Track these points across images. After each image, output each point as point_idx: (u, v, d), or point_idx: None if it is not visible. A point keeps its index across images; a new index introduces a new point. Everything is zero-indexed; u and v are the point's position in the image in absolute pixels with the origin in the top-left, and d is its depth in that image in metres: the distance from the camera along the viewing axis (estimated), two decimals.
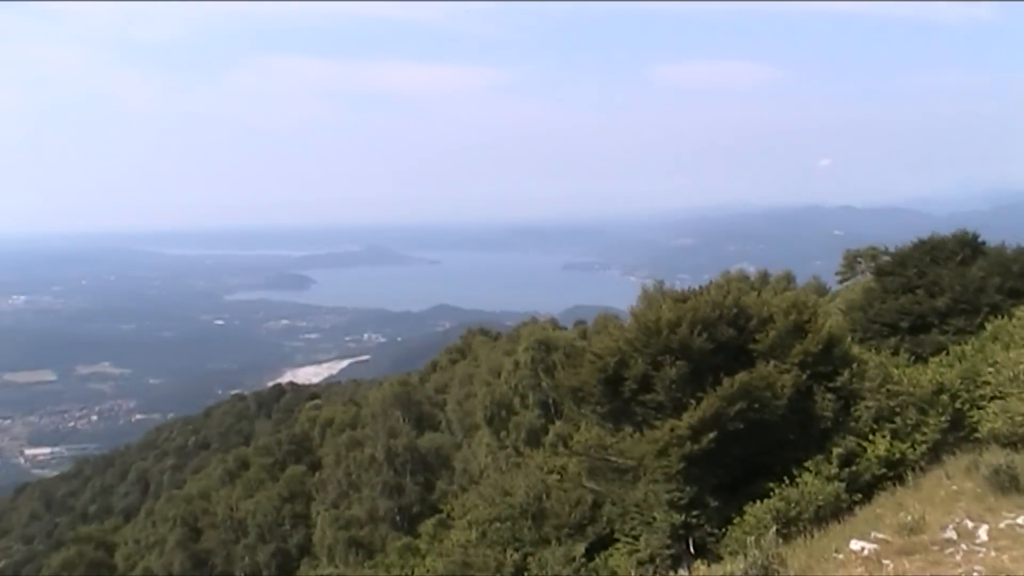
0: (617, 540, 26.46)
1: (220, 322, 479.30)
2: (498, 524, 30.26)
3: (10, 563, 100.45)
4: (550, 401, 47.96)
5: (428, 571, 35.54)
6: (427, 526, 45.27)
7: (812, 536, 19.96)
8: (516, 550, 28.93)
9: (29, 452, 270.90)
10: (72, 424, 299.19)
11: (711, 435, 22.90)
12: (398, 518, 51.81)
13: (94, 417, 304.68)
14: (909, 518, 17.23)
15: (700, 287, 27.54)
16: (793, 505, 22.01)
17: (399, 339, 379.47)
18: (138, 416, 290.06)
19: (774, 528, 20.04)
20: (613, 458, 25.31)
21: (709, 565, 20.48)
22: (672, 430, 23.19)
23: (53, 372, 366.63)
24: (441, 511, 44.71)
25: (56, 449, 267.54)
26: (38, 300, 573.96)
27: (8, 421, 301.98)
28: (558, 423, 43.28)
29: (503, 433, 49.92)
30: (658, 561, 24.04)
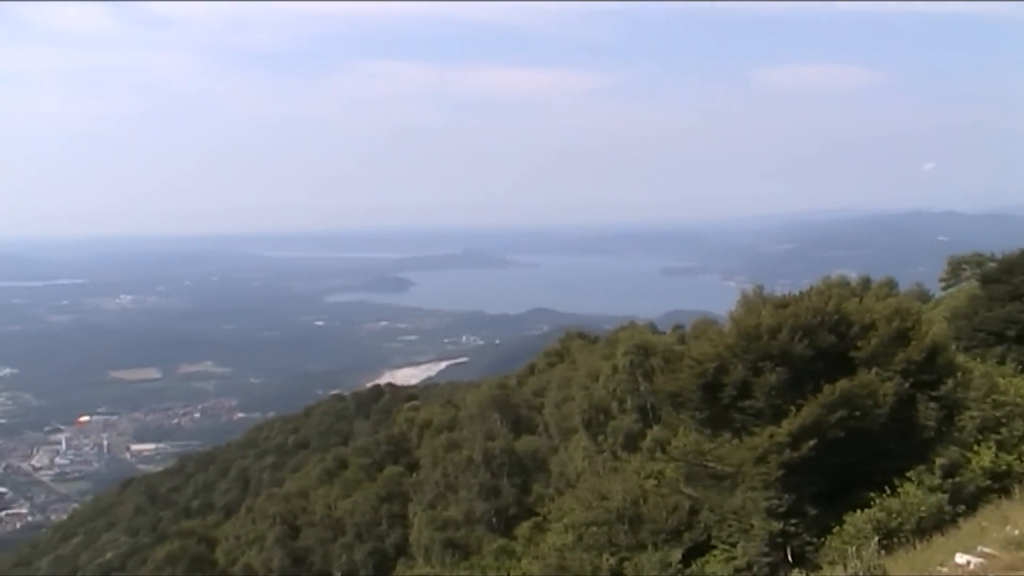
0: (714, 547, 26.24)
1: (320, 323, 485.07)
2: (594, 528, 30.18)
3: (117, 555, 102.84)
4: (648, 406, 47.73)
5: (524, 574, 35.59)
6: (523, 529, 45.30)
7: (914, 548, 19.66)
8: (612, 555, 28.85)
9: (135, 448, 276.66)
10: (176, 421, 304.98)
11: (811, 443, 22.62)
12: (494, 520, 51.95)
13: (197, 415, 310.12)
14: (1016, 532, 16.88)
15: (800, 292, 27.21)
16: (894, 516, 21.66)
17: (497, 342, 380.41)
18: (239, 414, 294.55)
19: (875, 539, 19.76)
20: (711, 464, 25.15)
21: (807, 575, 20.25)
22: (771, 437, 22.95)
23: (158, 370, 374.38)
24: (537, 514, 44.71)
25: (160, 445, 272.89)
26: (144, 300, 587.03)
27: (115, 417, 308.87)
28: (656, 428, 43.04)
29: (600, 437, 49.78)
30: (755, 569, 23.79)
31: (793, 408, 23.14)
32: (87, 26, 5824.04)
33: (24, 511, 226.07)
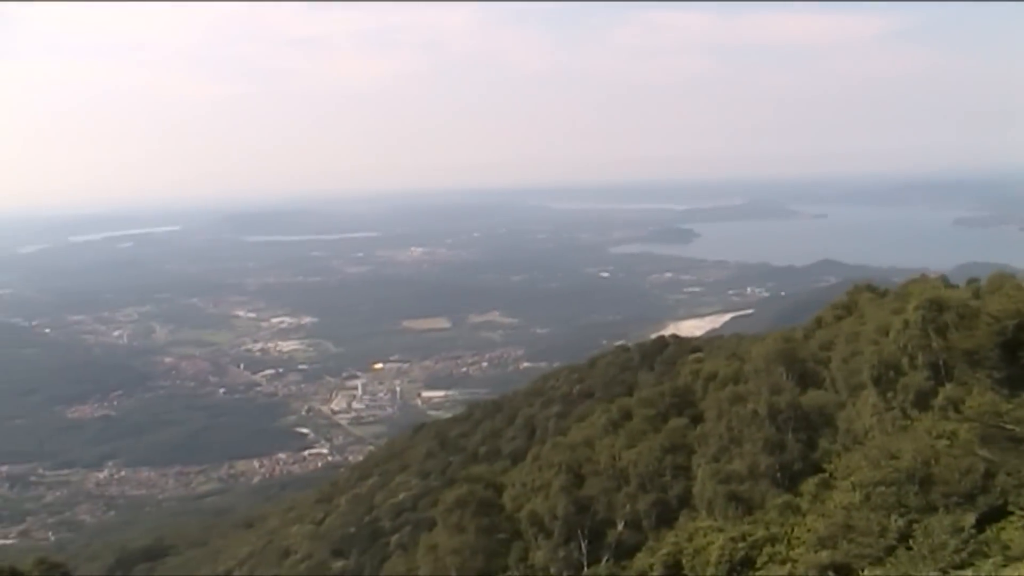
0: (1011, 512, 25.14)
1: (605, 274, 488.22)
2: (883, 488, 29.47)
3: (409, 496, 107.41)
4: (940, 363, 45.91)
5: (809, 530, 35.10)
6: (808, 485, 44.61)
7: None
8: (901, 515, 28.12)
9: (426, 394, 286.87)
10: (464, 369, 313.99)
11: None
12: (779, 475, 51.25)
13: (484, 363, 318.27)
14: None
15: None
16: None
17: (782, 294, 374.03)
18: (525, 364, 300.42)
19: None
20: (1009, 426, 24.10)
21: None
22: None
23: (448, 320, 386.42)
24: (823, 470, 43.94)
25: (450, 392, 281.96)
26: (434, 252, 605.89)
27: (407, 365, 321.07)
28: (948, 386, 41.37)
29: (889, 394, 48.24)
30: None
31: None
32: None
33: (324, 451, 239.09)
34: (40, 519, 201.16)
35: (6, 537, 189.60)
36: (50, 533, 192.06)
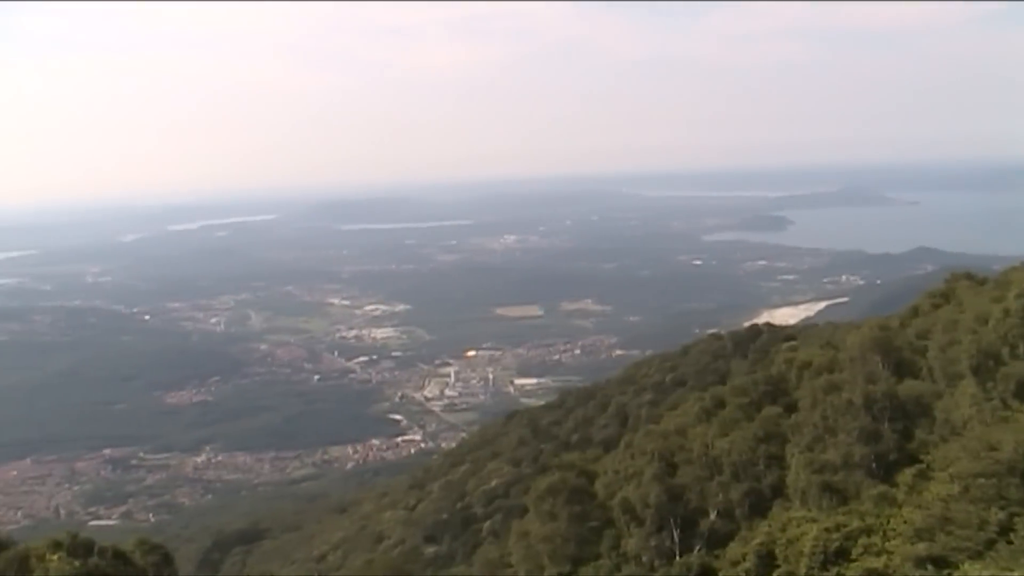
0: None
1: (698, 262, 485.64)
2: (982, 480, 28.98)
3: (501, 483, 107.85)
4: None
5: (905, 522, 34.62)
6: (905, 476, 43.93)
7: None
8: (1001, 508, 27.65)
9: (518, 381, 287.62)
10: (556, 357, 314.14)
11: None
12: (874, 465, 50.51)
13: (577, 351, 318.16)
14: None
15: None
16: None
17: (878, 281, 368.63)
18: (618, 351, 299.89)
19: None
20: None
21: None
22: None
23: (540, 308, 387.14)
24: (920, 461, 43.28)
25: (542, 380, 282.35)
26: (526, 240, 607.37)
27: (499, 352, 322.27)
28: None
29: (989, 384, 47.31)
30: None
31: None
32: None
33: (417, 438, 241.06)
34: (141, 501, 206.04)
35: (109, 518, 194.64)
36: (150, 515, 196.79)
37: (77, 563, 28.03)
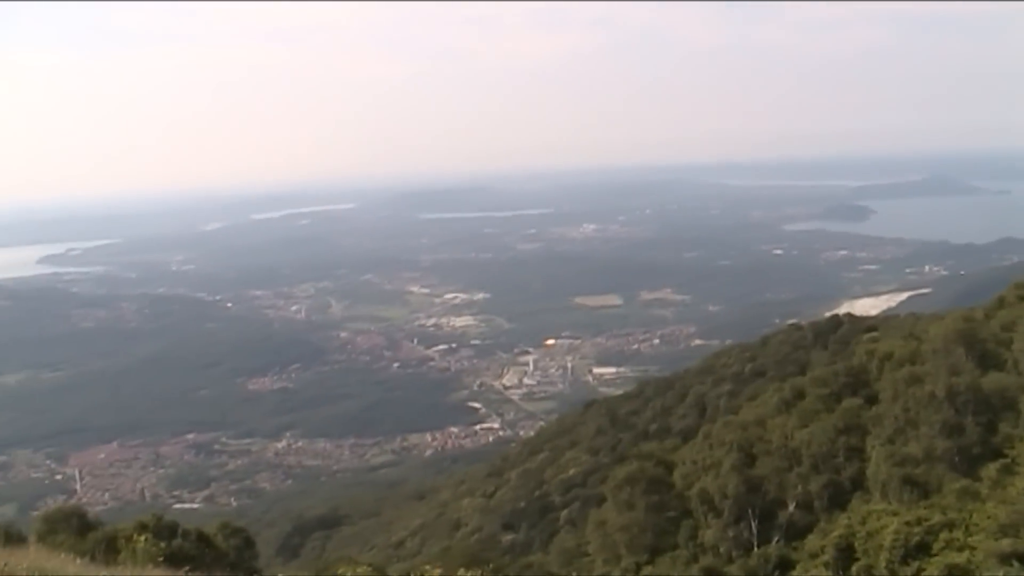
0: None
1: (778, 252, 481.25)
2: None
3: (579, 472, 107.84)
4: None
5: (989, 517, 34.18)
6: (989, 470, 43.38)
7: None
8: None
9: (596, 371, 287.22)
10: (635, 346, 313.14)
11: None
12: (956, 459, 49.97)
13: (655, 340, 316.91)
14: None
15: None
16: None
17: (962, 272, 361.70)
18: (697, 341, 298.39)
19: None
20: None
21: None
22: None
23: (619, 297, 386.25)
24: (1004, 456, 42.75)
25: (620, 369, 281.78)
26: (606, 229, 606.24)
27: (578, 341, 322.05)
28: None
29: None
30: None
31: None
32: None
33: (496, 426, 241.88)
34: (223, 485, 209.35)
35: (192, 501, 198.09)
36: (232, 499, 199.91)
37: (163, 544, 28.70)
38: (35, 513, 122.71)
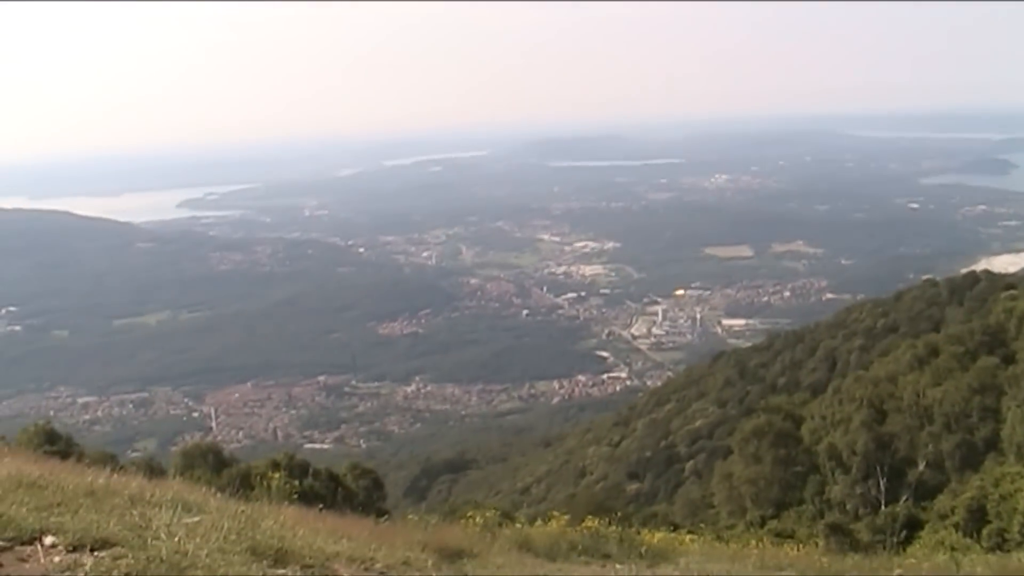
0: None
1: (914, 206, 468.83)
2: None
3: (705, 424, 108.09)
4: None
5: None
6: None
7: None
8: None
9: (726, 322, 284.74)
10: (766, 299, 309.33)
11: None
12: None
13: (786, 293, 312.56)
14: None
15: None
16: None
17: None
18: (828, 295, 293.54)
19: None
20: None
21: None
22: None
23: (750, 248, 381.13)
24: None
25: (750, 321, 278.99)
26: (738, 179, 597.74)
27: (708, 292, 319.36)
28: None
29: None
30: None
31: None
32: None
33: (623, 375, 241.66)
34: (353, 427, 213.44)
35: (323, 442, 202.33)
36: (361, 441, 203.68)
37: (295, 483, 29.87)
38: (174, 448, 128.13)
